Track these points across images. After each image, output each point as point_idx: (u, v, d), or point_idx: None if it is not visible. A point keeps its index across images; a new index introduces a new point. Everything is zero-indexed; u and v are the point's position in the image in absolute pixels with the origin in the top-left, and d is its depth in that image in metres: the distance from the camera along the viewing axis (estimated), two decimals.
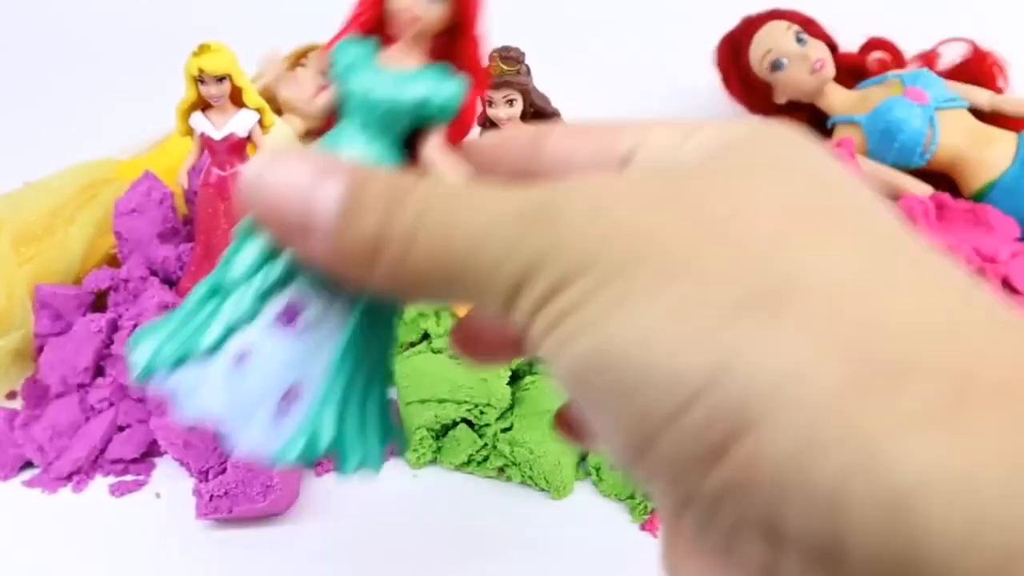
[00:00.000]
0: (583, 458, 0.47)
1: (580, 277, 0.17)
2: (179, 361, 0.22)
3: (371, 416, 0.24)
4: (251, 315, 0.22)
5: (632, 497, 0.44)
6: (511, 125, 0.47)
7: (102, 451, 0.47)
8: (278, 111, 0.68)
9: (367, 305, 0.23)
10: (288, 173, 0.21)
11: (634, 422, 0.16)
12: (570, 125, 0.26)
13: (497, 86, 0.45)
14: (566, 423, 0.27)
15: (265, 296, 0.23)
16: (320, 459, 0.23)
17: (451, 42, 0.25)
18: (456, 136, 0.25)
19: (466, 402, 0.47)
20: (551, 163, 0.25)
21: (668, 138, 0.23)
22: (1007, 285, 0.49)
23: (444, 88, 0.24)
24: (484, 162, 0.26)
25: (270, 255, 0.23)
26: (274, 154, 0.21)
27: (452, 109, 0.24)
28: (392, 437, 0.25)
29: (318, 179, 0.21)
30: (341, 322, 0.23)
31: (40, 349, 0.52)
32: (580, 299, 0.17)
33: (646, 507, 0.43)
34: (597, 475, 0.45)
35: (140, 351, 0.23)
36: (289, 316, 0.23)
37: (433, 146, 0.24)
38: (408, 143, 0.25)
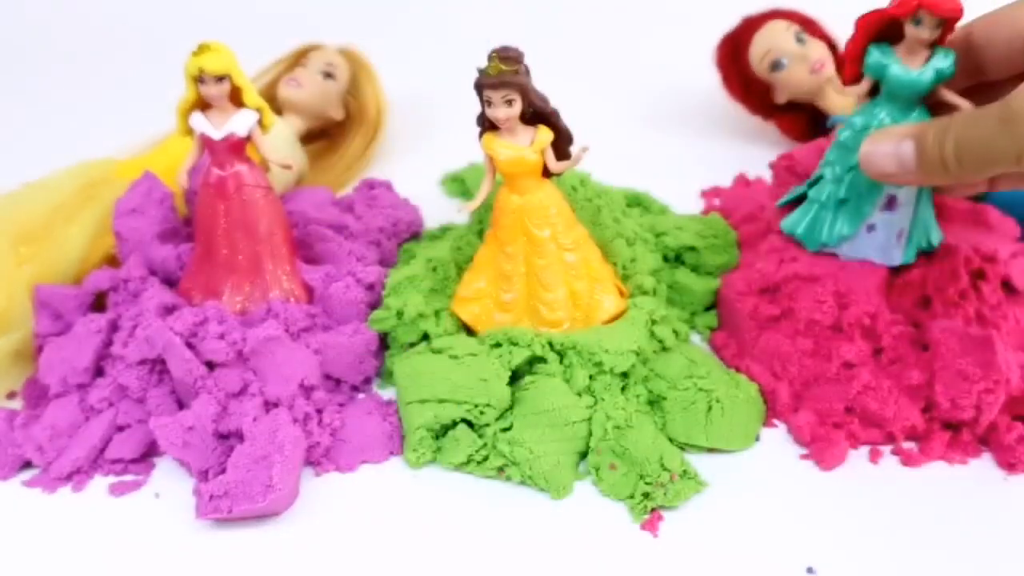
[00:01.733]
0: (583, 458, 0.47)
1: None
2: (840, 239, 0.50)
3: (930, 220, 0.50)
4: (871, 205, 0.49)
5: (632, 497, 0.44)
6: (510, 126, 0.47)
7: (102, 451, 0.47)
8: (278, 111, 0.68)
9: None
10: (882, 149, 0.44)
11: None
12: (984, 18, 0.45)
13: (496, 86, 0.45)
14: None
15: (873, 196, 0.49)
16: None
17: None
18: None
19: (466, 402, 0.47)
20: (985, 46, 0.45)
21: None
22: (1007, 285, 0.49)
23: (947, 63, 0.44)
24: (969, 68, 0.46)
25: (872, 184, 0.48)
26: (872, 139, 0.44)
27: (953, 72, 0.44)
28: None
29: (899, 145, 0.43)
30: (915, 191, 0.48)
31: (40, 349, 0.52)
32: None
33: (646, 507, 0.43)
34: (597, 475, 0.45)
35: (795, 227, 0.52)
36: (889, 201, 0.48)
37: (948, 93, 0.45)
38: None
